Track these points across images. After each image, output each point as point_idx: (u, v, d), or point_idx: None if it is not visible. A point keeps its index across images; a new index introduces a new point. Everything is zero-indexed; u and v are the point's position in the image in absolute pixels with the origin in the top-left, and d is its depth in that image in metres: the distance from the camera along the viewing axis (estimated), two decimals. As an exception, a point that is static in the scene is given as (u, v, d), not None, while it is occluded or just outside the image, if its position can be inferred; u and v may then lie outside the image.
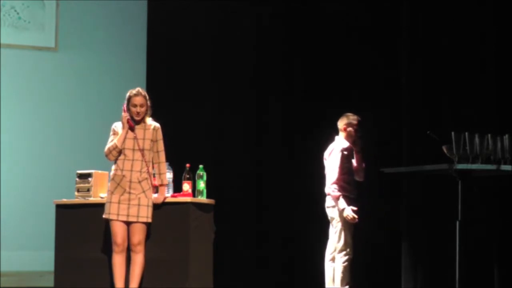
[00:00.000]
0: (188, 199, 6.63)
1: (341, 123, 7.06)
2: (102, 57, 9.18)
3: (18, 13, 9.01)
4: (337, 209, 6.87)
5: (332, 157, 6.97)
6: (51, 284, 6.99)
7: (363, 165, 7.06)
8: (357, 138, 7.01)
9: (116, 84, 8.73)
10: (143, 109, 6.46)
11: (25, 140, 8.92)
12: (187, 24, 8.99)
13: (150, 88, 8.87)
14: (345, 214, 6.79)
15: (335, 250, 6.91)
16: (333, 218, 6.94)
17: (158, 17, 9.08)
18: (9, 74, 8.89)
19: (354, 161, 7.05)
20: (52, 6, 9.08)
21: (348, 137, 7.02)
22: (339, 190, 6.87)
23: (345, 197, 6.87)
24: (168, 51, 9.01)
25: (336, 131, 7.11)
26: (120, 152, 6.43)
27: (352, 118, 7.03)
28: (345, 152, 6.97)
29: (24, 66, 9.00)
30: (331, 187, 6.91)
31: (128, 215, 6.37)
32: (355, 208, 6.80)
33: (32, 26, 9.04)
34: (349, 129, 7.01)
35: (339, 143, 7.02)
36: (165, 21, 9.03)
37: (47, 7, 9.08)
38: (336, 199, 6.85)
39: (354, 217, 6.77)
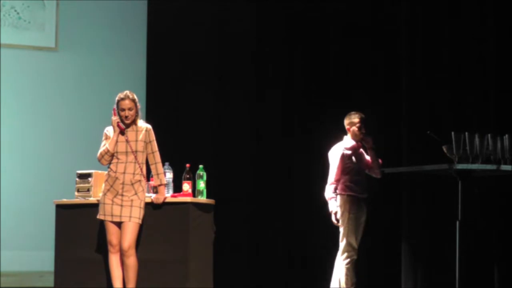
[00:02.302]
0: (188, 199, 6.63)
1: (345, 123, 7.00)
2: (102, 57, 9.18)
3: (18, 13, 9.01)
4: (343, 210, 6.83)
5: (332, 158, 6.95)
6: (51, 284, 6.99)
7: (380, 161, 6.97)
8: (365, 135, 6.94)
9: (116, 84, 8.70)
10: (131, 112, 6.44)
11: (25, 140, 8.92)
12: (187, 24, 8.99)
13: (150, 88, 8.90)
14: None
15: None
16: (339, 218, 6.89)
17: (158, 17, 9.08)
18: (9, 74, 8.89)
19: (368, 158, 6.98)
20: (52, 6, 9.08)
21: (354, 136, 6.96)
22: (344, 190, 6.83)
23: (353, 197, 6.81)
24: (168, 51, 9.01)
25: (343, 131, 7.06)
26: (112, 156, 6.44)
27: (354, 116, 6.96)
28: (348, 152, 6.89)
29: (24, 66, 9.00)
30: (329, 188, 6.89)
31: (121, 216, 6.38)
32: (334, 220, 6.85)
33: (32, 26, 9.04)
34: (353, 128, 6.95)
35: (343, 143, 6.96)
36: (165, 21, 9.03)
37: (47, 7, 9.08)
38: (328, 199, 6.89)
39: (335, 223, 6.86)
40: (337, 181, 6.87)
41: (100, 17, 9.21)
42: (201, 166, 6.75)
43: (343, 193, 6.86)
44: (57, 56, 9.09)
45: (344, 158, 6.89)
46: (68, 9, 9.11)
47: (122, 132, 6.45)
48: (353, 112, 6.98)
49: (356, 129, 6.92)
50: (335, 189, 6.89)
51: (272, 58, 8.91)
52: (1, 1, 8.92)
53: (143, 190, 6.46)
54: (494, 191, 7.58)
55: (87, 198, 6.81)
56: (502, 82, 7.75)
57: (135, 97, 6.50)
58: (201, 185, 6.73)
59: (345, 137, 7.01)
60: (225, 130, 8.90)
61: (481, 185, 6.74)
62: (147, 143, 6.49)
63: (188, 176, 6.71)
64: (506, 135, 6.24)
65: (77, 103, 9.08)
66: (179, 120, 8.75)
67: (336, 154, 6.93)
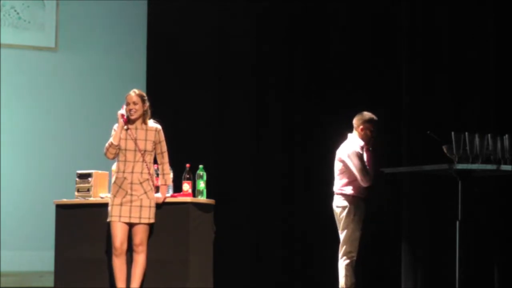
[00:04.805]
0: (188, 199, 6.64)
1: (357, 122, 6.90)
2: (102, 57, 9.19)
3: (18, 13, 9.01)
4: (348, 211, 6.78)
5: (350, 157, 6.82)
6: (51, 284, 7.00)
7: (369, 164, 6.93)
8: (372, 138, 6.89)
9: (116, 84, 8.74)
10: (136, 107, 6.46)
11: (25, 140, 8.92)
12: (187, 24, 9.00)
13: (150, 88, 8.90)
14: None
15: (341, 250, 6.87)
16: (342, 218, 6.84)
17: (158, 17, 9.08)
18: (9, 74, 8.89)
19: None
20: (52, 6, 9.09)
21: (364, 136, 6.89)
22: (352, 190, 6.78)
23: (358, 198, 6.76)
24: (168, 51, 9.01)
25: (343, 131, 7.01)
26: (117, 149, 6.43)
27: (369, 118, 6.88)
28: (361, 152, 6.84)
29: (24, 66, 9.01)
30: (347, 188, 6.82)
31: (130, 217, 6.38)
32: None
33: (32, 26, 9.04)
34: (366, 130, 6.88)
35: (356, 142, 6.89)
36: (165, 21, 9.03)
37: (47, 7, 9.08)
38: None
39: None
40: (355, 180, 6.76)
41: (100, 17, 9.22)
42: (201, 166, 6.76)
43: (350, 193, 6.81)
44: (57, 56, 9.10)
45: (358, 157, 6.82)
46: (68, 9, 9.12)
47: (128, 123, 6.44)
48: (366, 113, 6.89)
49: (369, 131, 6.85)
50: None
51: (272, 58, 8.90)
52: (1, 1, 8.93)
53: (151, 189, 6.46)
54: (494, 191, 7.57)
55: (87, 198, 6.81)
56: (502, 82, 7.74)
57: (144, 94, 6.53)
58: (201, 185, 6.73)
59: (350, 135, 6.91)
60: (225, 130, 8.90)
61: (481, 185, 6.72)
62: (156, 143, 6.51)
63: (188, 176, 6.72)
64: (506, 135, 6.23)
65: (77, 103, 9.08)
66: (179, 120, 8.75)
67: (353, 153, 6.82)
